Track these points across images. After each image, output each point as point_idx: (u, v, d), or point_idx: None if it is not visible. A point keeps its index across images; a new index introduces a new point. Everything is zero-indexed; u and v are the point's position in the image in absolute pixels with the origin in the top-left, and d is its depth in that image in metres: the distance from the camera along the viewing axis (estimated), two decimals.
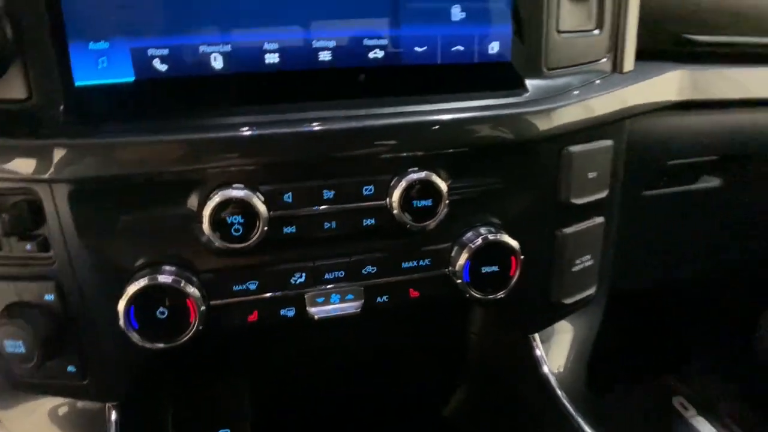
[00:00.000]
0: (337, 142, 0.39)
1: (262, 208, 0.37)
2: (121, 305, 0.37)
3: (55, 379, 0.42)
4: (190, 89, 0.39)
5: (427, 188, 0.40)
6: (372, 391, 0.61)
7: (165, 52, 0.38)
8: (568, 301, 0.50)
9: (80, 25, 0.36)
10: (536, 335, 0.52)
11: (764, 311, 0.98)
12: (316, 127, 0.38)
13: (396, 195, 0.40)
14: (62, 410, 0.46)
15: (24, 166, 0.35)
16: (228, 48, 0.39)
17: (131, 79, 0.38)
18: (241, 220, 0.37)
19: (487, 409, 0.58)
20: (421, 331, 0.60)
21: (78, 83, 0.37)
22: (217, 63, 0.39)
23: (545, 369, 0.52)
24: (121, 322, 0.37)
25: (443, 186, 0.41)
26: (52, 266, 0.38)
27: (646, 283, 0.66)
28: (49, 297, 0.39)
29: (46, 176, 0.35)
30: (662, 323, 0.73)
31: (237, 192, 0.37)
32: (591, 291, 0.53)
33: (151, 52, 0.38)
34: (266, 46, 0.39)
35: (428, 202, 0.41)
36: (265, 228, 0.38)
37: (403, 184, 0.40)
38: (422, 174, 0.40)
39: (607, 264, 0.54)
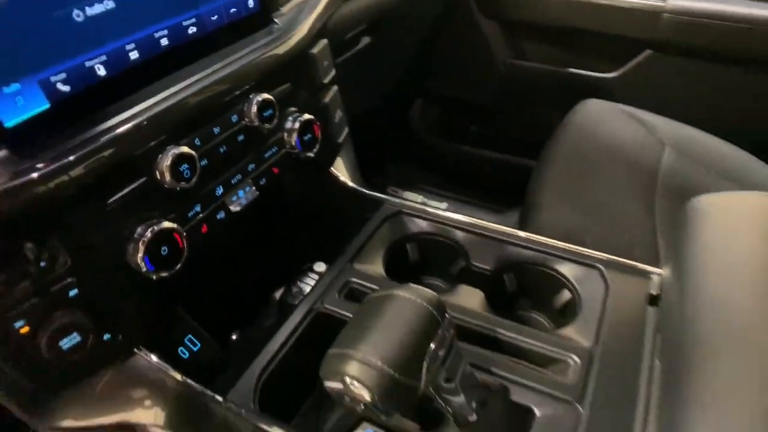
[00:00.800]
0: (207, 98, 0.58)
1: (194, 154, 0.55)
2: (140, 258, 0.52)
3: (97, 355, 0.53)
4: (94, 95, 0.51)
5: (266, 103, 0.63)
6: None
7: (63, 75, 0.49)
8: (341, 139, 0.81)
9: None
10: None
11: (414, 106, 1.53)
12: (191, 91, 0.56)
13: (253, 112, 0.62)
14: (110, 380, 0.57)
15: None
16: (104, 57, 0.52)
17: (46, 106, 0.49)
18: (187, 165, 0.54)
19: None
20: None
21: (7, 124, 0.46)
22: (101, 70, 0.52)
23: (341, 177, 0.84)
24: (143, 269, 0.52)
25: (272, 98, 0.64)
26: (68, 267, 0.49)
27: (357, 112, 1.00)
28: (73, 292, 0.50)
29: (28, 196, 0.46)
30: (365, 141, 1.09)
31: (182, 147, 0.54)
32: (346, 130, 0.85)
33: (52, 79, 0.49)
34: (127, 47, 0.54)
35: (269, 112, 0.64)
36: (203, 163, 0.56)
37: (253, 106, 0.62)
38: (260, 96, 0.62)
39: None
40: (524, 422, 0.53)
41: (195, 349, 0.65)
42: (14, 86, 0.45)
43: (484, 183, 1.59)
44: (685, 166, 1.07)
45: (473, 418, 0.51)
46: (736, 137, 1.17)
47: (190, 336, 0.65)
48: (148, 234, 0.52)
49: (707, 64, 1.29)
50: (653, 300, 0.62)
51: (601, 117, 1.20)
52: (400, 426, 0.53)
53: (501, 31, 1.47)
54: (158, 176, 0.53)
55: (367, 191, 0.82)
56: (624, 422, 0.50)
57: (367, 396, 0.41)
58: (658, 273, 0.65)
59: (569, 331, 0.62)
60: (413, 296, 0.46)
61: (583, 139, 1.14)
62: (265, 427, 0.53)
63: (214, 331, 0.68)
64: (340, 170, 0.85)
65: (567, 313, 0.68)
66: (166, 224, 0.53)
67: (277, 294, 0.79)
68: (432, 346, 0.45)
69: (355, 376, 0.41)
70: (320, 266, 0.75)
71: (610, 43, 1.36)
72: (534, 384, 0.55)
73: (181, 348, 0.64)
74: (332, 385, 0.43)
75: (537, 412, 0.53)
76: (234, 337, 0.77)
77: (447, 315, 0.47)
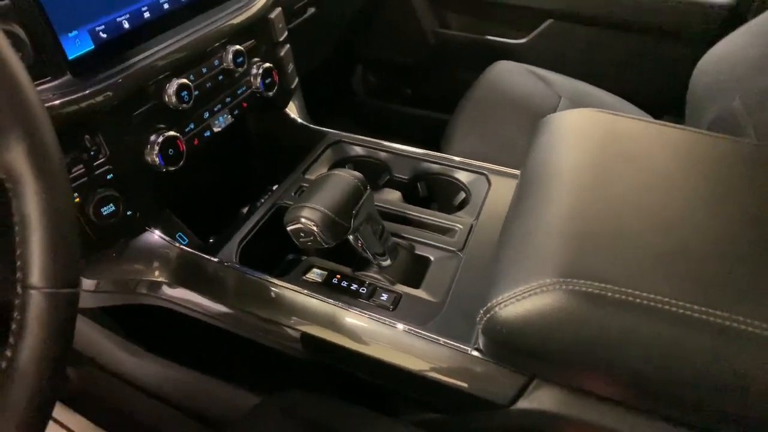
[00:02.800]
0: (197, 47, 0.79)
1: (191, 84, 0.77)
2: (155, 155, 0.74)
3: (123, 224, 0.74)
4: (122, 42, 0.73)
5: (238, 52, 0.85)
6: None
7: (102, 26, 0.71)
8: (293, 86, 1.05)
9: (60, 25, 0.66)
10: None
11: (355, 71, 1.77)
12: (187, 41, 0.78)
13: (229, 58, 0.84)
14: (130, 247, 0.80)
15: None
16: (127, 15, 0.73)
17: (92, 47, 0.70)
18: (186, 93, 0.77)
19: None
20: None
21: (70, 57, 0.68)
22: (126, 24, 0.73)
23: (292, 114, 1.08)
24: (157, 163, 0.75)
25: (242, 48, 0.86)
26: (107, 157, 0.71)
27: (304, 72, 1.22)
28: (110, 176, 0.72)
29: (85, 105, 0.67)
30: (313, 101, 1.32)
31: (182, 79, 0.76)
32: (296, 80, 1.08)
33: (96, 29, 0.70)
34: (142, 9, 0.75)
35: (240, 59, 0.86)
36: (195, 93, 0.79)
37: (229, 54, 0.84)
38: (234, 47, 0.85)
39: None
40: (424, 266, 0.79)
41: (184, 243, 0.87)
42: (74, 32, 0.66)
43: (414, 135, 1.85)
44: None
45: (387, 263, 0.77)
46: (620, 89, 1.47)
47: (179, 233, 0.87)
48: (160, 139, 0.74)
49: (597, 29, 1.56)
50: None
51: (509, 75, 1.47)
52: (338, 269, 0.78)
53: (428, 3, 1.71)
54: (166, 99, 0.75)
55: (313, 126, 1.06)
56: (486, 264, 0.77)
57: (315, 229, 0.65)
58: None
59: (459, 213, 0.88)
60: (346, 174, 0.70)
61: (492, 92, 1.40)
62: (243, 271, 0.77)
63: (196, 234, 0.89)
64: (292, 111, 1.08)
65: (462, 209, 0.94)
66: (172, 133, 0.76)
67: (244, 210, 1.02)
68: (359, 203, 0.69)
69: (306, 216, 0.66)
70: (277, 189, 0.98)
71: (520, 14, 1.63)
72: (431, 242, 0.81)
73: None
74: (292, 226, 0.67)
75: (432, 258, 0.79)
76: (211, 240, 1.00)
77: (368, 188, 0.72)
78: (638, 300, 0.52)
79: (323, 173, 0.73)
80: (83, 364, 1.05)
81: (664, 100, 1.52)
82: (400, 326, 0.68)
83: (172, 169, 0.77)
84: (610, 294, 0.52)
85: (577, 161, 0.70)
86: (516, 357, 0.60)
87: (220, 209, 1.01)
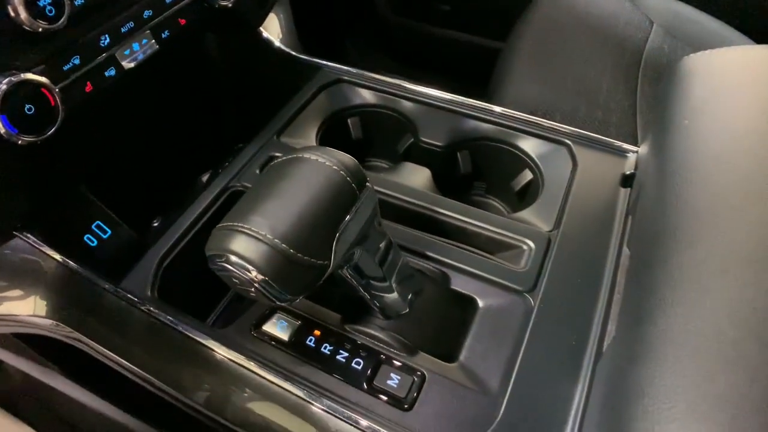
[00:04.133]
0: None
1: None
2: None
3: None
4: None
5: None
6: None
7: None
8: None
9: None
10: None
11: None
12: None
13: None
14: None
15: None
16: None
17: None
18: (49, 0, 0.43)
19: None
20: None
21: None
22: None
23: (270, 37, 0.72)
24: (1, 131, 0.42)
25: None
26: None
27: None
28: None
29: None
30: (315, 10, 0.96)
31: None
32: None
33: None
34: None
35: None
36: (75, 2, 0.44)
37: None
38: None
39: None
40: (465, 315, 0.46)
41: (105, 236, 0.56)
42: None
43: (451, 68, 1.46)
44: (675, 47, 0.97)
45: (405, 310, 0.44)
46: (728, 15, 1.08)
47: (98, 222, 0.56)
48: (3, 86, 0.41)
49: None
50: (626, 181, 0.54)
51: None
52: (318, 318, 0.46)
53: None
54: (11, 13, 0.42)
55: (301, 55, 0.70)
56: (581, 318, 0.44)
57: (256, 275, 0.33)
58: (635, 150, 0.57)
59: (526, 214, 0.54)
60: (323, 158, 0.36)
61: (560, 12, 1.03)
62: (158, 318, 0.45)
63: (133, 216, 0.59)
64: (272, 32, 0.72)
65: (528, 198, 0.60)
66: (30, 76, 0.43)
67: (204, 178, 0.69)
68: (347, 217, 0.36)
69: (239, 253, 0.33)
70: None
71: None
72: (478, 271, 0.48)
73: (87, 235, 0.55)
74: (217, 264, 0.34)
75: (480, 302, 0.46)
76: (155, 224, 0.69)
77: (368, 184, 0.38)
78: None
79: (284, 156, 0.39)
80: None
81: None
82: None
83: (33, 139, 0.44)
84: None
85: None
86: None
87: (170, 178, 0.69)
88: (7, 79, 0.42)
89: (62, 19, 0.44)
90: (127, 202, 0.60)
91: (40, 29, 0.43)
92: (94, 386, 0.71)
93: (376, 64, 1.50)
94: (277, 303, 0.35)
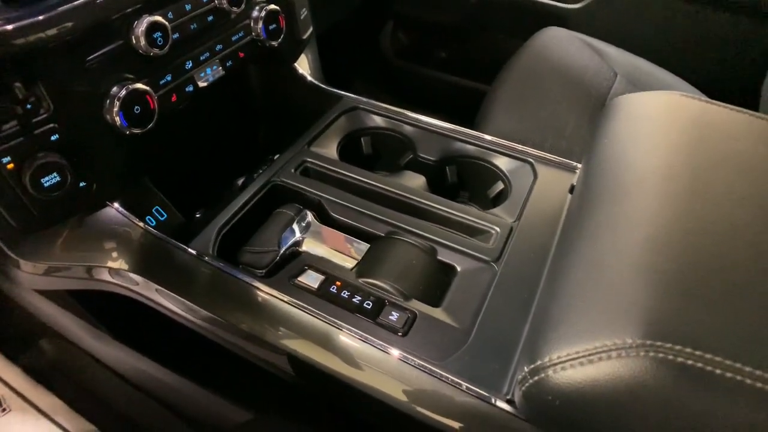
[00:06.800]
0: None
1: (167, 24, 0.60)
2: (115, 112, 0.58)
3: (73, 198, 0.59)
4: None
5: None
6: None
7: None
8: (305, 36, 0.86)
9: None
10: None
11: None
12: None
13: None
14: (84, 225, 0.64)
15: None
16: None
17: None
18: (160, 34, 0.60)
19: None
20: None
21: None
22: None
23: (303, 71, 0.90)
24: (117, 123, 0.59)
25: None
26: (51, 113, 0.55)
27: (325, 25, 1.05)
28: (54, 137, 0.56)
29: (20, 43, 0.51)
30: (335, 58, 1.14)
31: (156, 17, 0.59)
32: (310, 29, 0.90)
33: None
34: None
35: None
36: (174, 36, 0.61)
37: None
38: None
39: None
40: (447, 277, 0.62)
41: (162, 219, 0.72)
42: None
43: (445, 106, 1.66)
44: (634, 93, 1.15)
45: None
46: (682, 70, 1.27)
47: (157, 207, 0.72)
48: (123, 92, 0.58)
49: (660, 1, 1.35)
50: (573, 189, 0.71)
51: (558, 43, 1.27)
52: (339, 274, 0.61)
53: None
54: (134, 41, 0.59)
55: (326, 87, 0.88)
56: (531, 280, 0.60)
57: None
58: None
59: (496, 211, 0.71)
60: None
61: (539, 62, 1.20)
62: (220, 269, 0.61)
63: (180, 207, 0.74)
64: (303, 67, 0.90)
65: (499, 203, 0.77)
66: (140, 86, 0.59)
67: (239, 181, 0.85)
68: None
69: None
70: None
71: None
72: (459, 246, 0.64)
73: (148, 216, 0.70)
74: None
75: (459, 268, 0.62)
76: (198, 215, 0.84)
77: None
78: (759, 384, 0.35)
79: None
80: (53, 336, 0.93)
81: (732, 87, 1.32)
82: (413, 360, 0.52)
83: (138, 131, 0.60)
84: (719, 371, 0.35)
85: (666, 162, 0.52)
86: (565, 430, 0.44)
87: (211, 179, 0.85)
88: (125, 88, 0.59)
89: (165, 48, 0.61)
90: (177, 194, 0.76)
91: (152, 53, 0.60)
92: (138, 345, 0.85)
93: (380, 100, 1.70)
94: None
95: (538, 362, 0.40)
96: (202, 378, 0.80)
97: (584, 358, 0.38)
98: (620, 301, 0.40)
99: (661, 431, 0.37)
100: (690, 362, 0.36)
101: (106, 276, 0.65)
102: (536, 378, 0.40)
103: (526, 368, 0.41)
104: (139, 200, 0.69)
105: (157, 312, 0.65)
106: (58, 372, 0.99)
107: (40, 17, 0.50)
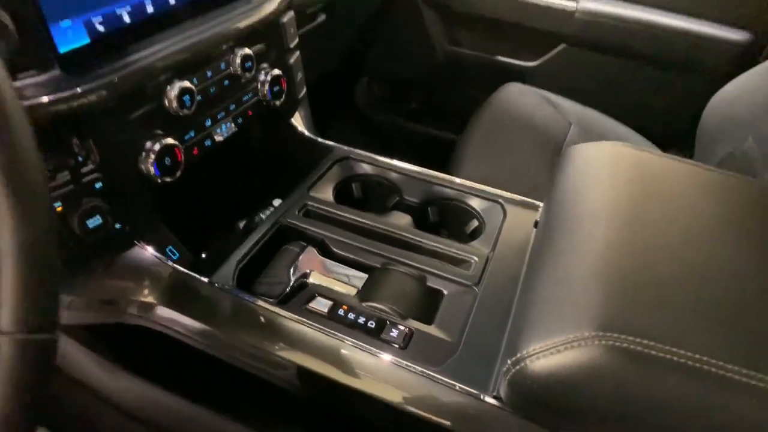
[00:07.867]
0: (203, 48, 0.73)
1: (194, 88, 0.71)
2: (150, 163, 0.68)
3: (110, 238, 0.67)
4: (121, 37, 0.66)
5: (246, 56, 0.79)
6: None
7: (100, 18, 0.64)
8: (300, 96, 0.99)
9: (51, 13, 0.58)
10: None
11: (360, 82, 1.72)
12: (191, 41, 0.72)
13: (237, 63, 0.78)
14: (117, 263, 0.72)
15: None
16: (129, 8, 0.67)
17: (87, 41, 0.63)
18: (188, 97, 0.70)
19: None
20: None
21: (61, 51, 0.61)
22: (126, 18, 0.67)
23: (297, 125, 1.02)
24: (151, 173, 0.68)
25: (251, 51, 0.80)
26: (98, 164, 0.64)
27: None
28: (99, 185, 0.65)
29: (76, 105, 0.60)
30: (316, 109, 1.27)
31: (184, 82, 0.70)
32: (304, 89, 1.02)
33: (93, 20, 0.63)
34: (145, 2, 0.69)
35: (249, 64, 0.80)
36: (198, 98, 0.72)
37: (237, 58, 0.78)
38: (243, 50, 0.79)
39: None
40: (436, 300, 0.73)
41: (174, 257, 0.80)
42: (66, 22, 0.59)
43: (417, 153, 1.79)
44: (586, 140, 1.30)
45: None
46: (628, 117, 1.44)
47: (170, 246, 0.80)
48: (157, 146, 0.68)
49: (610, 58, 1.53)
50: (536, 224, 0.83)
51: (519, 98, 1.42)
52: (345, 299, 0.71)
53: (440, 19, 1.67)
54: (167, 103, 0.69)
55: (320, 139, 1.00)
56: (506, 299, 0.71)
57: None
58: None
59: (474, 243, 0.82)
60: None
61: (501, 115, 1.35)
62: (240, 297, 0.70)
63: (188, 247, 0.82)
64: (298, 122, 1.02)
65: (476, 237, 0.89)
66: (170, 140, 0.70)
67: (241, 224, 0.95)
68: None
69: None
70: (278, 202, 0.91)
71: (532, 36, 1.59)
72: (445, 274, 0.75)
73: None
74: None
75: (445, 292, 0.73)
76: (203, 255, 0.93)
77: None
78: (683, 360, 0.47)
79: None
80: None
81: (673, 133, 1.50)
82: (412, 368, 0.62)
83: (168, 180, 0.70)
84: (654, 353, 0.47)
85: (611, 199, 0.64)
86: (543, 413, 0.54)
87: (215, 222, 0.95)
88: (158, 142, 0.69)
89: (192, 108, 0.72)
90: (185, 235, 0.85)
91: (181, 113, 0.71)
92: (155, 378, 0.91)
93: (356, 147, 1.84)
94: None
95: (518, 354, 0.51)
96: (217, 403, 0.88)
97: (554, 349, 0.49)
98: (579, 304, 0.52)
99: (614, 403, 0.47)
100: (632, 347, 0.47)
101: (134, 309, 0.73)
102: (518, 367, 0.51)
103: (509, 361, 0.52)
104: (157, 240, 0.78)
105: (175, 341, 0.73)
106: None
107: (78, 89, 0.58)
